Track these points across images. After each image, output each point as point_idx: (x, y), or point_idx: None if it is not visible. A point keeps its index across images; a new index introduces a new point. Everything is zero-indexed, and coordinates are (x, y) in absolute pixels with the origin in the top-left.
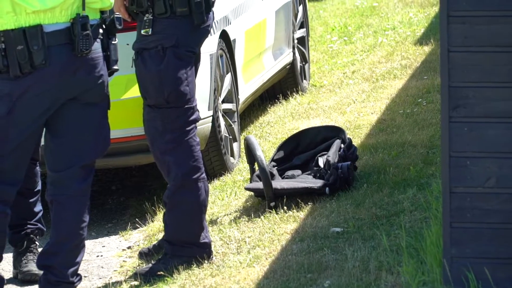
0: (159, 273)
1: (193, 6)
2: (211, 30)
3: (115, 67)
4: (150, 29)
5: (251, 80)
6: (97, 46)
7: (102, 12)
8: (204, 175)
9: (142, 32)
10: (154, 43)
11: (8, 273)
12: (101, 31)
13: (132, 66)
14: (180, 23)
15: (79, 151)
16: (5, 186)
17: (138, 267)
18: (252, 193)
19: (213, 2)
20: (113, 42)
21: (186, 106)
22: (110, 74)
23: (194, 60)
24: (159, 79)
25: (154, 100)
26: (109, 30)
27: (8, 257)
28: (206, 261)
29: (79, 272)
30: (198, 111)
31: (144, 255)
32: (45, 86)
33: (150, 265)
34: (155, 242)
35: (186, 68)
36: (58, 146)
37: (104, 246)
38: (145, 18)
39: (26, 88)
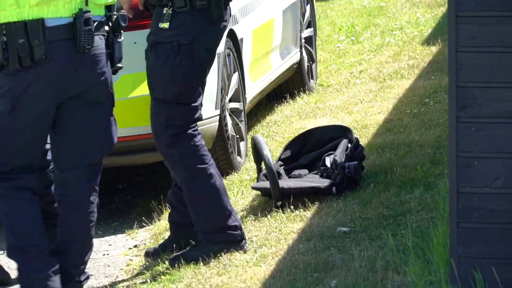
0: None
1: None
2: None
3: (119, 65)
4: (168, 23)
5: (258, 79)
6: (100, 42)
7: (108, 9)
8: (212, 161)
9: (160, 25)
10: (170, 38)
11: (15, 271)
12: (106, 28)
13: (146, 58)
14: (198, 18)
15: (85, 150)
16: (28, 174)
17: (144, 265)
18: (259, 192)
19: None
20: (118, 39)
21: (192, 104)
22: (114, 72)
23: (208, 57)
24: (171, 75)
25: (163, 94)
26: (114, 28)
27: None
28: (240, 248)
29: (86, 270)
30: (201, 108)
31: (150, 254)
32: (47, 81)
33: (184, 251)
34: (161, 242)
35: (198, 66)
36: (65, 145)
37: (110, 245)
38: (164, 12)
39: (27, 84)
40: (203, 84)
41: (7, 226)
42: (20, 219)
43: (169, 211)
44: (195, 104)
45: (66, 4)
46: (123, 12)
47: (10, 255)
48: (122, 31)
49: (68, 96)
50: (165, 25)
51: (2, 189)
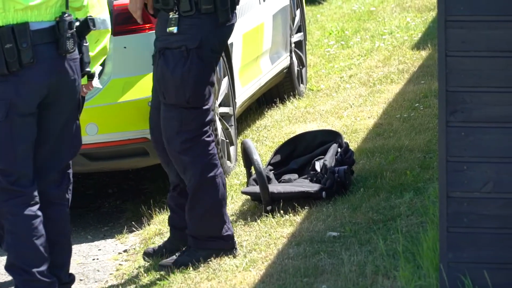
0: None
1: (218, 3)
2: None
3: (88, 69)
4: (176, 28)
5: (248, 83)
6: (75, 47)
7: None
8: (220, 170)
9: (168, 30)
10: (178, 43)
11: (4, 276)
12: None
13: (152, 64)
14: (204, 22)
15: (59, 155)
16: (31, 187)
17: (134, 270)
18: (248, 197)
19: (238, 0)
20: (85, 44)
21: (204, 107)
22: (83, 76)
23: (215, 58)
24: (182, 81)
25: (174, 99)
26: (80, 32)
27: (3, 260)
28: (230, 253)
29: (71, 272)
30: (213, 111)
31: (150, 254)
32: (35, 84)
33: (174, 257)
34: (160, 243)
35: (207, 69)
36: (40, 153)
37: (100, 250)
38: (170, 16)
39: (17, 89)
40: (212, 85)
41: (10, 244)
42: (26, 240)
43: (159, 216)
44: (207, 106)
45: (48, 8)
46: (91, 16)
47: (9, 272)
48: (85, 36)
49: (48, 95)
50: (173, 29)
51: (9, 206)
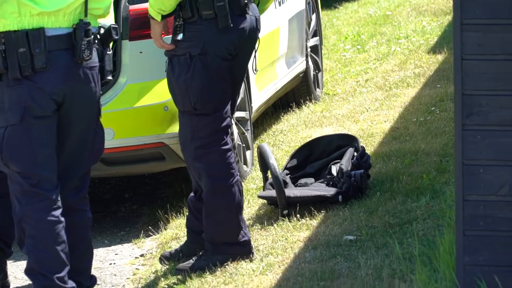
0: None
1: (217, 9)
2: None
3: (109, 78)
4: (181, 35)
5: (264, 88)
6: (94, 55)
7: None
8: (237, 178)
9: (175, 37)
10: (183, 50)
11: (21, 281)
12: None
13: (165, 71)
14: (206, 28)
15: (79, 162)
16: (54, 191)
17: (151, 274)
18: (265, 201)
19: (246, 4)
20: (108, 52)
21: (215, 113)
22: (104, 84)
23: (225, 64)
24: (186, 88)
25: (182, 106)
26: (104, 40)
27: (22, 264)
28: (247, 257)
29: (92, 274)
30: (230, 117)
31: (165, 258)
32: (48, 90)
33: (190, 261)
34: (177, 247)
35: (213, 75)
36: (61, 159)
37: (117, 254)
38: (176, 23)
39: (30, 93)
40: (223, 91)
41: (30, 248)
42: (47, 245)
43: (175, 220)
44: (218, 113)
45: (66, 15)
46: (115, 24)
47: (28, 276)
48: (109, 44)
49: (64, 101)
50: (179, 36)
51: (32, 210)
